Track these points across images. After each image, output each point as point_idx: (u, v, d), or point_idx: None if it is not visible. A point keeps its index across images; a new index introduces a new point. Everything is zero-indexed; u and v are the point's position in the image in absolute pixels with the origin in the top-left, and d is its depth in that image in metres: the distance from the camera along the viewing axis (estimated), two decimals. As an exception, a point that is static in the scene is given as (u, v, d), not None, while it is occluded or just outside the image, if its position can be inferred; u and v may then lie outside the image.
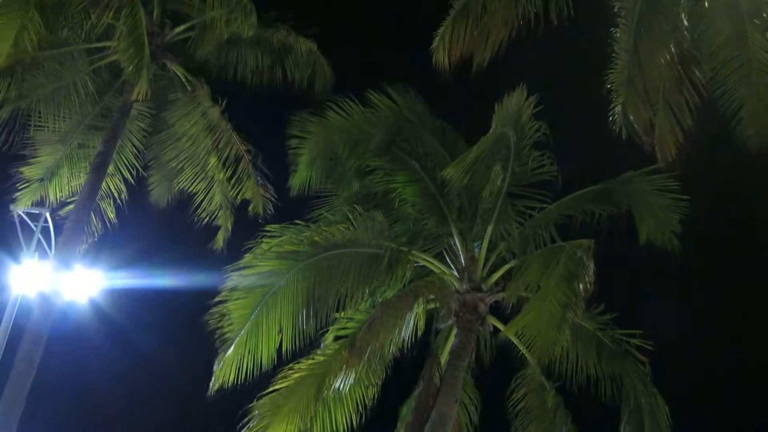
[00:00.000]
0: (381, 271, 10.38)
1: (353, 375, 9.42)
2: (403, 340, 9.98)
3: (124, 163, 14.04)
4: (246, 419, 10.06)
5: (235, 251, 10.96)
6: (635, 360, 10.45)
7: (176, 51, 13.74)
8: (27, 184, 14.07)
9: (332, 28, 14.67)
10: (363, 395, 10.57)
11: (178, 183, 14.17)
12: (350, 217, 10.65)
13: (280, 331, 10.34)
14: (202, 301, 10.81)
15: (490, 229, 10.54)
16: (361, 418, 10.57)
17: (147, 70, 12.00)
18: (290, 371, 10.42)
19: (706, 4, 9.33)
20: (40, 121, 13.69)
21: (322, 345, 10.82)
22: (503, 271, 10.51)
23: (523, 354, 10.46)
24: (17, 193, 14.03)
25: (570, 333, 9.42)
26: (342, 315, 10.57)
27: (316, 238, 10.40)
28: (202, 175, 13.99)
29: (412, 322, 10.12)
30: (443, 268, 10.79)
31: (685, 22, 9.33)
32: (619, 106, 9.46)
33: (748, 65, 9.22)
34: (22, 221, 14.09)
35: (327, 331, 10.78)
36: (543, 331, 8.58)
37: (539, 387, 10.76)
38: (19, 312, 13.04)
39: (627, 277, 15.11)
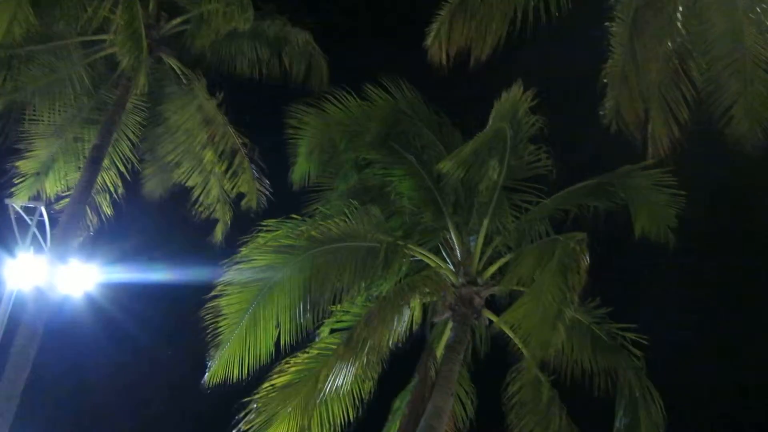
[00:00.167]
0: (377, 265, 10.38)
1: (352, 371, 9.42)
2: (399, 333, 10.02)
3: (119, 156, 14.02)
4: (243, 413, 10.11)
5: (231, 245, 10.98)
6: (630, 354, 10.50)
7: (172, 44, 13.72)
8: (23, 179, 14.05)
9: (328, 21, 14.67)
10: (360, 389, 10.58)
11: (175, 176, 14.16)
12: (346, 211, 10.66)
13: (278, 325, 10.35)
14: (198, 295, 10.82)
15: (486, 222, 10.57)
16: (357, 411, 10.60)
17: (145, 63, 11.98)
18: (287, 365, 10.47)
19: (702, -2, 9.36)
20: (35, 115, 13.67)
21: (317, 338, 10.84)
22: (499, 264, 10.53)
23: (518, 347, 10.48)
24: (14, 188, 14.00)
25: (565, 330, 9.47)
26: (338, 308, 10.59)
27: (313, 233, 10.41)
28: (199, 168, 13.99)
29: (407, 315, 10.17)
30: (439, 261, 10.82)
31: (681, 17, 9.35)
32: (611, 100, 9.49)
33: (742, 59, 9.24)
34: (17, 215, 14.06)
35: (323, 324, 10.81)
36: (537, 329, 8.60)
37: (534, 380, 10.79)
38: (14, 306, 13.02)
39: (622, 271, 15.17)
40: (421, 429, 9.13)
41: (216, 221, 14.09)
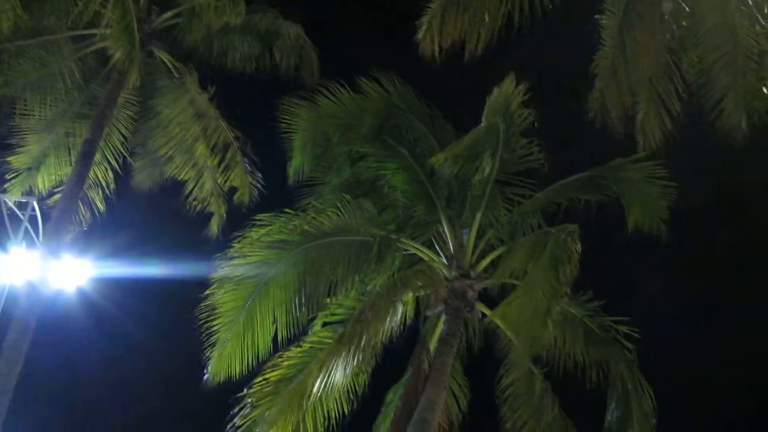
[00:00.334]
0: (371, 259, 10.39)
1: (346, 366, 9.42)
2: (393, 327, 10.04)
3: (111, 151, 13.97)
4: (238, 408, 10.12)
5: (224, 239, 10.98)
6: (622, 346, 10.55)
7: (163, 38, 13.68)
8: (15, 174, 14.00)
9: (319, 14, 14.62)
10: (354, 382, 10.59)
11: (168, 170, 14.13)
12: (339, 205, 10.65)
13: (275, 321, 10.35)
14: (191, 289, 10.81)
15: (478, 216, 10.59)
16: (351, 404, 10.61)
17: (137, 57, 11.94)
18: (280, 359, 10.47)
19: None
20: (26, 110, 13.62)
21: (310, 332, 10.84)
22: (492, 257, 10.56)
23: (511, 341, 10.52)
24: (6, 183, 13.96)
25: (555, 325, 9.52)
26: (331, 301, 10.59)
27: (306, 227, 10.38)
28: (192, 162, 13.96)
29: (401, 309, 10.18)
30: (432, 255, 10.83)
31: (672, 10, 9.36)
32: (597, 92, 9.52)
33: (734, 52, 9.27)
34: (9, 210, 14.02)
35: (317, 317, 10.81)
36: (528, 325, 8.64)
37: (527, 373, 10.82)
38: (6, 301, 13.00)
39: (615, 264, 15.21)
40: (415, 422, 9.16)
41: (209, 215, 14.07)
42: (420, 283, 10.17)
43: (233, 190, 13.95)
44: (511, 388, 10.91)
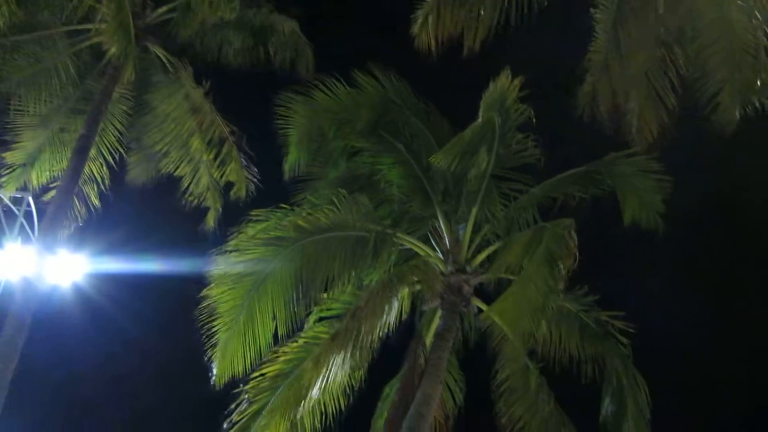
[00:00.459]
0: (367, 254, 10.39)
1: (342, 362, 9.42)
2: (389, 322, 10.03)
3: (106, 146, 13.95)
4: (235, 403, 10.12)
5: (220, 234, 10.96)
6: (617, 341, 10.58)
7: (158, 33, 13.64)
8: (10, 170, 13.97)
9: (314, 8, 14.58)
10: (350, 377, 10.59)
11: (163, 166, 14.11)
12: (335, 200, 10.65)
13: (274, 317, 10.34)
14: (187, 285, 10.80)
15: (474, 211, 10.60)
16: (348, 399, 10.62)
17: (133, 53, 11.91)
18: (275, 355, 10.48)
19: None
20: (20, 106, 13.58)
21: (304, 327, 10.84)
22: (488, 252, 10.57)
23: (506, 335, 10.53)
24: (1, 179, 13.93)
25: (547, 323, 9.58)
26: (328, 296, 10.59)
27: (301, 223, 10.38)
28: (188, 157, 13.94)
29: (397, 304, 10.18)
30: (428, 250, 10.84)
31: (668, 5, 9.38)
32: (589, 86, 9.54)
33: (731, 47, 9.30)
34: (4, 206, 13.99)
35: (313, 312, 10.81)
36: (522, 320, 8.66)
37: (523, 368, 10.86)
38: (2, 296, 12.96)
39: (610, 259, 15.24)
40: (411, 416, 9.17)
41: (205, 210, 14.05)
42: (416, 278, 10.16)
43: (229, 185, 13.94)
44: (506, 383, 10.95)
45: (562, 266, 8.61)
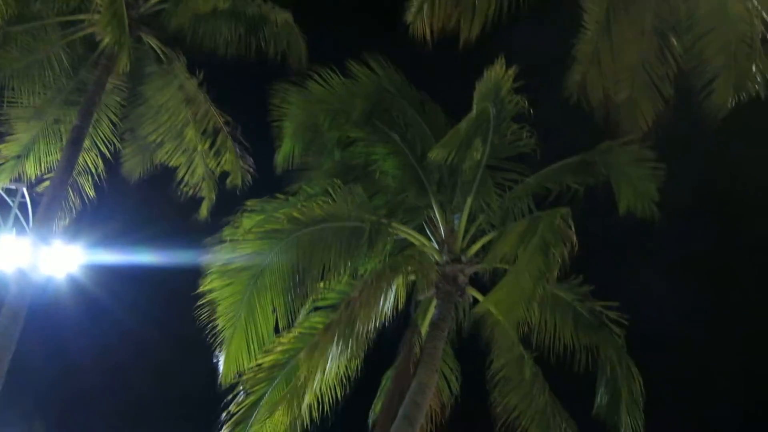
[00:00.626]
0: (362, 245, 10.38)
1: (338, 353, 9.41)
2: (385, 312, 10.03)
3: (100, 137, 13.90)
4: (232, 395, 10.12)
5: (216, 225, 10.92)
6: (611, 331, 10.62)
7: (151, 23, 13.57)
8: (4, 161, 13.91)
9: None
10: (347, 367, 10.61)
11: (158, 156, 14.07)
12: (330, 190, 10.64)
13: (274, 310, 10.34)
14: (182, 276, 10.77)
15: (469, 200, 10.59)
16: (345, 389, 10.63)
17: (127, 43, 11.85)
18: (272, 345, 10.48)
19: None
20: (14, 97, 13.51)
21: (299, 318, 10.84)
22: (483, 242, 10.57)
23: (500, 324, 10.55)
24: (-4, 171, 13.89)
25: (540, 306, 9.61)
26: (323, 285, 10.59)
27: (296, 215, 10.36)
28: (182, 148, 13.90)
29: (392, 294, 10.18)
30: (423, 240, 10.84)
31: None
32: (577, 75, 9.54)
33: (727, 36, 9.32)
34: (-1, 197, 13.97)
35: (309, 302, 10.81)
36: (514, 309, 8.69)
37: (518, 358, 10.90)
38: (-3, 288, 12.93)
39: (604, 249, 15.27)
40: (406, 404, 9.19)
41: (200, 201, 14.00)
42: (411, 268, 10.15)
43: (225, 175, 13.90)
44: (501, 372, 10.98)
45: (557, 254, 8.62)
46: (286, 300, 10.33)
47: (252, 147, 13.74)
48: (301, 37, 13.82)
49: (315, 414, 10.39)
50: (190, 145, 13.84)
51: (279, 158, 11.64)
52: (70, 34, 13.40)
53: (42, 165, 14.01)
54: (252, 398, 10.22)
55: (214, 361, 10.46)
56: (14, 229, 13.75)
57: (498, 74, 9.96)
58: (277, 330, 10.46)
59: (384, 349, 10.78)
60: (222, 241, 10.47)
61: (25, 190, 13.85)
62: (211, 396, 10.65)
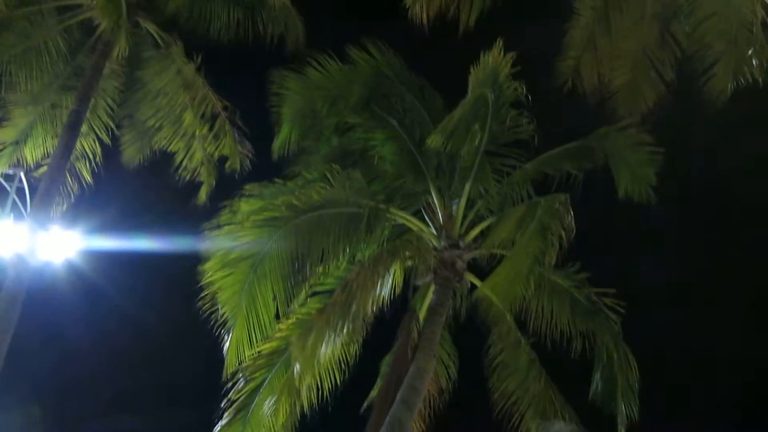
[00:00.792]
0: (360, 230, 10.37)
1: (336, 338, 9.40)
2: (383, 297, 10.04)
3: (98, 123, 13.85)
4: (231, 382, 10.14)
5: (214, 211, 10.89)
6: (607, 318, 10.65)
7: (148, 8, 13.50)
8: (1, 147, 13.87)
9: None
10: (344, 352, 10.63)
11: (157, 142, 14.02)
12: (328, 175, 10.62)
13: (275, 298, 10.33)
14: (180, 261, 10.75)
15: (468, 186, 10.60)
16: (344, 374, 10.65)
17: (125, 27, 11.79)
18: (271, 332, 10.49)
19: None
20: (11, 83, 13.44)
21: (298, 304, 10.84)
22: (481, 228, 10.59)
23: (498, 309, 10.57)
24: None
25: (536, 294, 9.63)
26: (321, 270, 10.59)
27: (294, 201, 10.34)
28: (181, 132, 13.85)
29: (390, 279, 10.20)
30: (421, 225, 10.86)
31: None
32: (571, 60, 9.52)
33: (728, 21, 9.30)
34: (-4, 182, 13.93)
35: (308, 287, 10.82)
36: (510, 292, 8.70)
37: (515, 343, 10.93)
38: (-5, 273, 12.91)
39: (602, 236, 15.29)
40: (404, 389, 9.21)
41: (199, 186, 13.97)
42: (409, 253, 10.17)
43: (223, 159, 13.86)
44: (498, 357, 11.02)
45: (554, 238, 8.63)
46: (286, 287, 10.30)
47: (250, 131, 13.72)
48: (298, 19, 13.73)
49: (314, 399, 10.42)
50: (188, 130, 13.79)
51: (277, 144, 11.62)
52: (68, 18, 13.32)
53: (40, 150, 13.97)
54: (252, 385, 10.26)
55: (217, 350, 10.43)
56: (12, 215, 13.67)
57: (496, 59, 9.93)
58: (277, 317, 10.45)
59: (382, 335, 10.81)
60: (220, 226, 10.43)
61: (22, 175, 13.77)
62: (210, 381, 10.67)
